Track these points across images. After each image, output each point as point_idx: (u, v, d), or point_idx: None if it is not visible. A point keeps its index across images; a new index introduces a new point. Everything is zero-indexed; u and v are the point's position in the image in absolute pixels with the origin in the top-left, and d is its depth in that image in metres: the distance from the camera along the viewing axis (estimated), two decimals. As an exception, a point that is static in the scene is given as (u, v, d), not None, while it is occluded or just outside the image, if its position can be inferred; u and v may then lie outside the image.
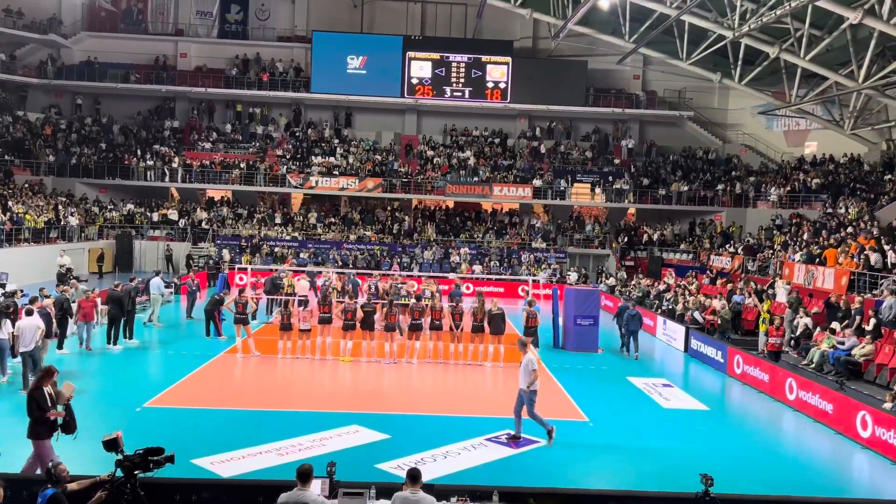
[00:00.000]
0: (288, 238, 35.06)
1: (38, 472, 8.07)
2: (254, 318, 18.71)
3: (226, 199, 38.45)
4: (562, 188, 36.72)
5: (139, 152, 37.23)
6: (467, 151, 39.09)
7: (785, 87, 29.79)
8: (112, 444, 6.82)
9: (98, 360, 16.12)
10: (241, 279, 28.92)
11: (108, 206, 36.02)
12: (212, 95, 39.63)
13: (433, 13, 39.93)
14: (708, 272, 28.50)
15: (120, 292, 17.47)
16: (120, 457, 6.69)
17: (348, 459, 9.71)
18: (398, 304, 18.38)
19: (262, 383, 14.76)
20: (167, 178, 36.58)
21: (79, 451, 8.52)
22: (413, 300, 18.16)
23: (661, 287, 27.16)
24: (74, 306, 16.91)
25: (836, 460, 11.88)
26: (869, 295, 18.26)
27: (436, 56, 38.27)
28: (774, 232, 29.87)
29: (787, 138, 38.36)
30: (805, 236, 25.99)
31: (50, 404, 8.30)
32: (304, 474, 6.48)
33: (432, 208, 38.83)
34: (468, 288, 27.13)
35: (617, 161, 39.20)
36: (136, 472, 6.64)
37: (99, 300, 18.05)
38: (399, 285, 21.96)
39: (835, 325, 16.99)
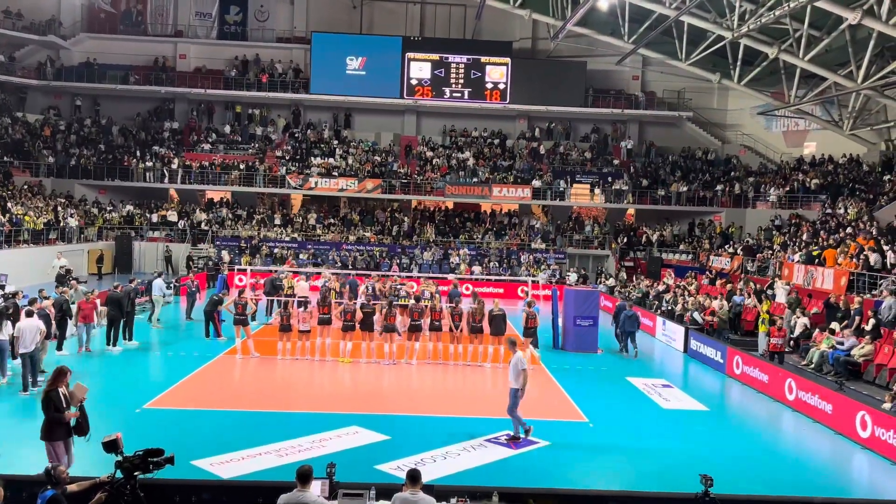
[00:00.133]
0: (287, 239, 35.06)
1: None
2: (253, 319, 18.71)
3: (225, 200, 38.45)
4: (561, 189, 36.74)
5: (138, 153, 37.23)
6: (466, 152, 39.10)
7: (784, 87, 29.82)
8: (112, 446, 6.82)
9: (97, 362, 16.11)
10: (240, 280, 28.92)
11: (108, 208, 36.02)
12: (211, 97, 39.63)
13: (432, 14, 39.95)
14: (707, 273, 28.51)
15: (119, 294, 17.47)
16: (119, 458, 6.69)
17: (348, 460, 9.72)
18: (397, 304, 18.39)
19: (262, 384, 14.75)
20: (166, 180, 36.57)
21: (78, 452, 8.51)
22: (412, 301, 18.17)
23: (661, 288, 27.17)
24: (74, 308, 16.91)
25: (835, 460, 11.88)
26: (868, 295, 18.28)
27: (435, 57, 38.28)
28: (774, 232, 29.88)
29: (786, 139, 38.38)
30: (804, 237, 26.00)
31: (65, 405, 8.25)
32: (304, 475, 6.48)
33: (432, 209, 38.84)
34: (467, 289, 27.13)
35: (616, 162, 39.22)
36: (135, 474, 6.64)
37: (98, 301, 18.05)
38: (399, 286, 21.97)
39: (834, 325, 17.01)
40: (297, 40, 40.27)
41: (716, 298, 21.93)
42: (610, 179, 37.42)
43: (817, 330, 17.56)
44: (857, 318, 16.52)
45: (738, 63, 30.51)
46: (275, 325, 17.91)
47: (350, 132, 40.80)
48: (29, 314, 13.47)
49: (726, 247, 31.38)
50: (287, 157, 38.17)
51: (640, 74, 39.93)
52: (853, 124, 30.72)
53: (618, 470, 10.56)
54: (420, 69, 38.31)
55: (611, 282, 31.68)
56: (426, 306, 17.55)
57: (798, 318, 18.31)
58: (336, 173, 36.86)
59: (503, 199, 37.15)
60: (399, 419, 12.47)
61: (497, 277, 31.56)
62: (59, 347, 16.26)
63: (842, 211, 27.44)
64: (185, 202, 38.00)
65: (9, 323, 13.89)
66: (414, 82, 38.30)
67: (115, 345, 17.23)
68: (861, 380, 14.95)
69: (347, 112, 40.97)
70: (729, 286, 23.20)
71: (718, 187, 36.12)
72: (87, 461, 8.44)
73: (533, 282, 26.34)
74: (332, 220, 37.20)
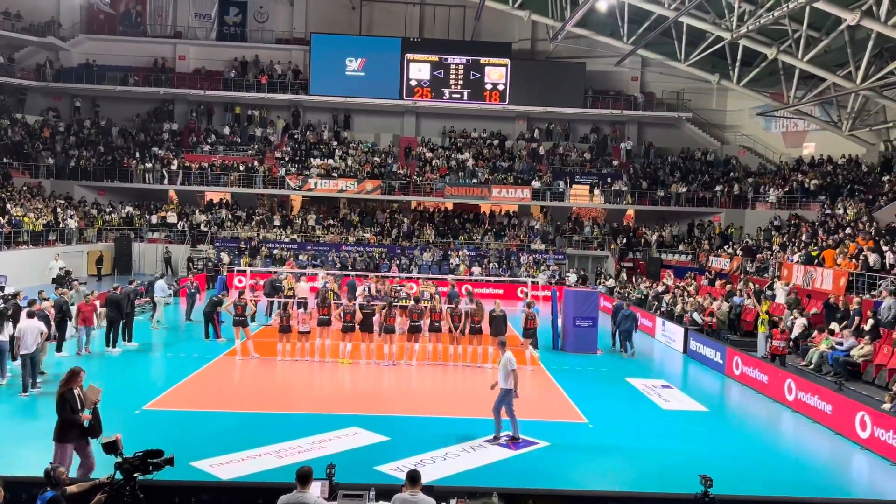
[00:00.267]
0: (287, 240, 35.06)
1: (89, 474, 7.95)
2: (253, 320, 18.70)
3: (224, 201, 38.45)
4: (560, 190, 36.75)
5: (138, 155, 37.22)
6: (466, 153, 39.11)
7: (783, 88, 29.85)
8: (111, 447, 6.82)
9: (97, 363, 16.08)
10: (239, 281, 28.90)
11: (107, 209, 36.01)
12: (210, 98, 39.64)
13: (431, 15, 39.97)
14: (707, 273, 28.53)
15: (119, 295, 17.48)
16: (119, 459, 6.69)
17: (348, 461, 9.72)
18: (397, 305, 18.39)
19: (262, 385, 14.75)
20: (166, 181, 36.57)
21: (78, 453, 8.50)
22: (412, 302, 18.17)
23: (660, 288, 27.18)
24: (74, 309, 16.90)
25: (835, 461, 11.88)
26: (867, 296, 18.29)
27: (434, 58, 38.29)
28: (773, 233, 29.89)
29: (785, 139, 38.40)
30: (803, 237, 26.01)
31: (79, 406, 8.20)
32: (304, 476, 6.49)
33: (431, 210, 38.85)
34: (466, 289, 27.10)
35: (615, 162, 39.24)
36: (135, 475, 6.64)
37: (98, 303, 18.04)
38: (398, 288, 21.96)
39: (833, 325, 17.01)
40: (297, 41, 40.29)
41: (717, 300, 21.93)
42: (609, 180, 37.44)
43: (815, 331, 17.57)
44: (857, 319, 16.53)
45: (738, 64, 30.54)
46: (274, 327, 17.91)
47: (349, 133, 40.82)
48: (30, 315, 13.48)
49: (725, 247, 31.39)
50: (286, 159, 38.18)
51: (640, 75, 39.97)
52: (852, 125, 30.74)
53: (617, 470, 10.56)
54: (419, 70, 38.32)
55: (610, 282, 31.69)
56: (426, 307, 17.56)
57: (796, 318, 18.30)
58: (335, 174, 36.86)
59: (502, 200, 37.16)
60: (399, 420, 12.47)
61: (497, 278, 31.56)
62: (59, 349, 16.26)
63: (841, 211, 27.45)
64: (184, 203, 37.99)
65: (9, 324, 13.89)
66: (413, 83, 38.32)
67: (114, 346, 17.23)
68: (860, 380, 14.95)
69: (347, 113, 40.99)
70: (728, 287, 23.21)
71: (718, 188, 36.13)
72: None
73: (532, 283, 26.33)
74: (331, 222, 37.20)
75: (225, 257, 32.41)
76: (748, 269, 27.00)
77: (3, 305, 14.93)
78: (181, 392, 13.95)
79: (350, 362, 16.74)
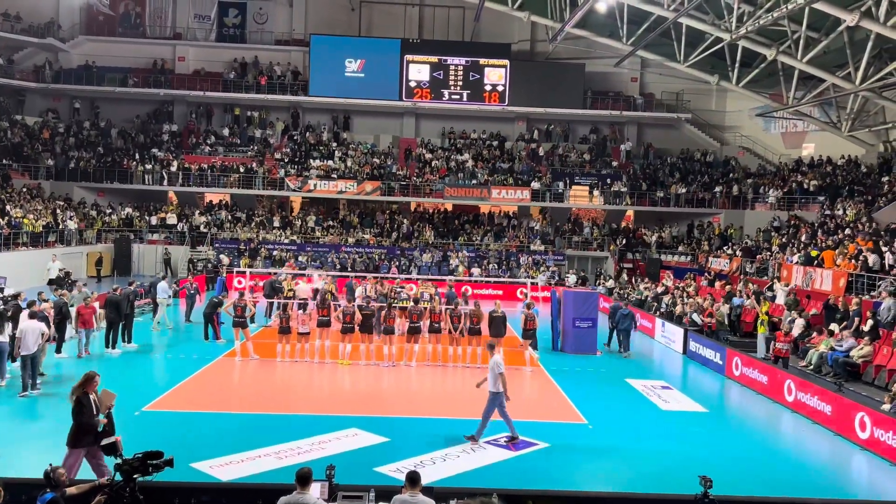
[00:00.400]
0: (286, 241, 35.06)
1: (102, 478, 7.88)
2: (252, 321, 18.70)
3: (224, 202, 38.45)
4: (560, 190, 36.77)
5: (137, 156, 37.23)
6: (465, 154, 39.13)
7: (782, 89, 29.87)
8: (111, 448, 6.82)
9: (97, 364, 16.05)
10: (239, 283, 28.90)
11: (107, 210, 36.01)
12: (210, 99, 39.65)
13: (431, 16, 39.99)
14: (706, 274, 28.54)
15: (118, 296, 17.48)
16: (119, 461, 6.68)
17: (347, 463, 9.72)
18: (396, 307, 18.39)
19: (261, 387, 14.75)
20: (165, 182, 36.57)
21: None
22: (412, 303, 18.17)
23: (660, 289, 27.19)
24: (73, 311, 16.90)
25: (834, 462, 11.88)
26: (867, 296, 18.30)
27: (434, 59, 38.31)
28: (772, 234, 29.90)
29: (784, 140, 38.42)
30: (803, 238, 26.02)
31: (95, 412, 8.11)
32: (304, 478, 6.49)
33: (431, 211, 38.86)
34: (466, 290, 27.10)
35: (615, 163, 39.26)
36: (135, 476, 6.63)
37: (97, 304, 18.04)
38: (398, 289, 21.96)
39: (833, 326, 17.01)
40: (296, 42, 40.30)
41: (716, 301, 21.92)
42: (609, 181, 37.47)
43: (815, 332, 17.57)
44: (856, 320, 16.54)
45: (737, 65, 30.56)
46: (274, 328, 17.91)
47: (349, 134, 40.83)
48: (31, 316, 13.47)
49: (725, 248, 31.41)
50: (286, 160, 38.19)
51: (639, 76, 40.00)
52: (851, 126, 30.76)
53: (617, 471, 10.56)
54: (419, 71, 38.34)
55: (610, 283, 31.70)
56: (425, 308, 17.57)
57: (795, 318, 18.30)
58: (335, 175, 36.87)
59: (502, 201, 37.17)
60: (398, 421, 12.47)
61: (496, 279, 31.57)
62: (59, 350, 16.25)
63: (840, 212, 27.47)
64: (184, 205, 37.99)
65: (9, 324, 13.89)
66: (413, 84, 38.34)
67: (114, 347, 17.24)
68: (860, 381, 14.95)
69: (346, 114, 41.00)
70: (728, 287, 23.22)
71: (717, 189, 36.15)
72: (87, 464, 8.42)
73: (532, 283, 26.34)
74: (331, 223, 37.20)
75: (224, 258, 32.42)
76: (748, 269, 27.01)
77: (2, 307, 14.91)
78: (181, 393, 13.94)
79: (349, 363, 16.74)
